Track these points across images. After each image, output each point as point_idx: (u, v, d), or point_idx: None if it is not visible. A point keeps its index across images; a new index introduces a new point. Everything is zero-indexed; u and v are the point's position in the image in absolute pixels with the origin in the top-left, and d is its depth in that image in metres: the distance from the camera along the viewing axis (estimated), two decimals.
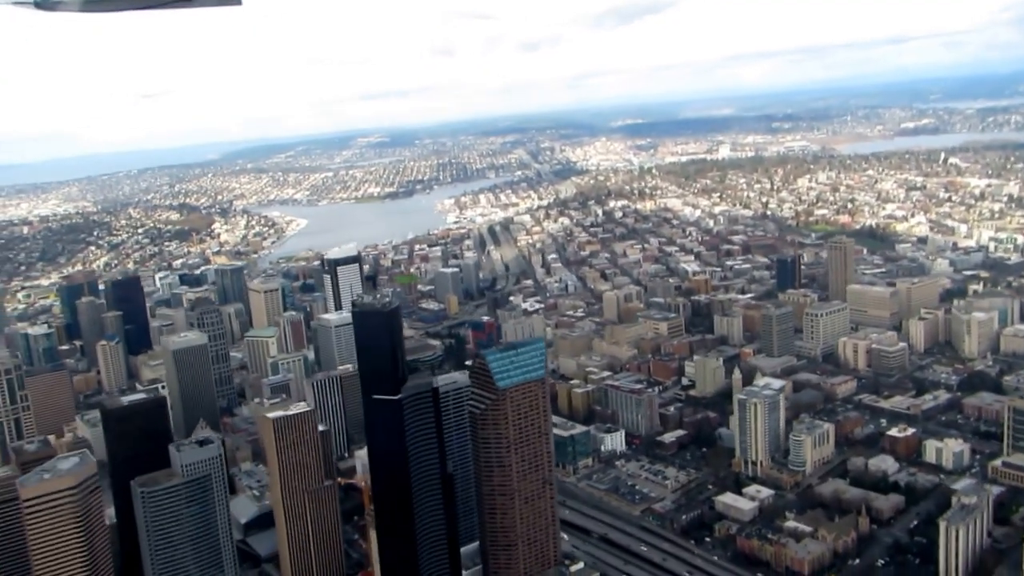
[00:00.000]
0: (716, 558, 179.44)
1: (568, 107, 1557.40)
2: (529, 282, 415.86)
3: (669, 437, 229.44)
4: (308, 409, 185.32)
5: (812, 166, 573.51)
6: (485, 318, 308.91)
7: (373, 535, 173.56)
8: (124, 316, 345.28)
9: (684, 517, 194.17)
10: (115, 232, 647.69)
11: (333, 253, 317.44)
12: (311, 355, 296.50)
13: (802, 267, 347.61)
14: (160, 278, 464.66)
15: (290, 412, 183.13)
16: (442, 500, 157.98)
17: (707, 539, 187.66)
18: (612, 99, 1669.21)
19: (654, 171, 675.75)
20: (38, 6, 27.92)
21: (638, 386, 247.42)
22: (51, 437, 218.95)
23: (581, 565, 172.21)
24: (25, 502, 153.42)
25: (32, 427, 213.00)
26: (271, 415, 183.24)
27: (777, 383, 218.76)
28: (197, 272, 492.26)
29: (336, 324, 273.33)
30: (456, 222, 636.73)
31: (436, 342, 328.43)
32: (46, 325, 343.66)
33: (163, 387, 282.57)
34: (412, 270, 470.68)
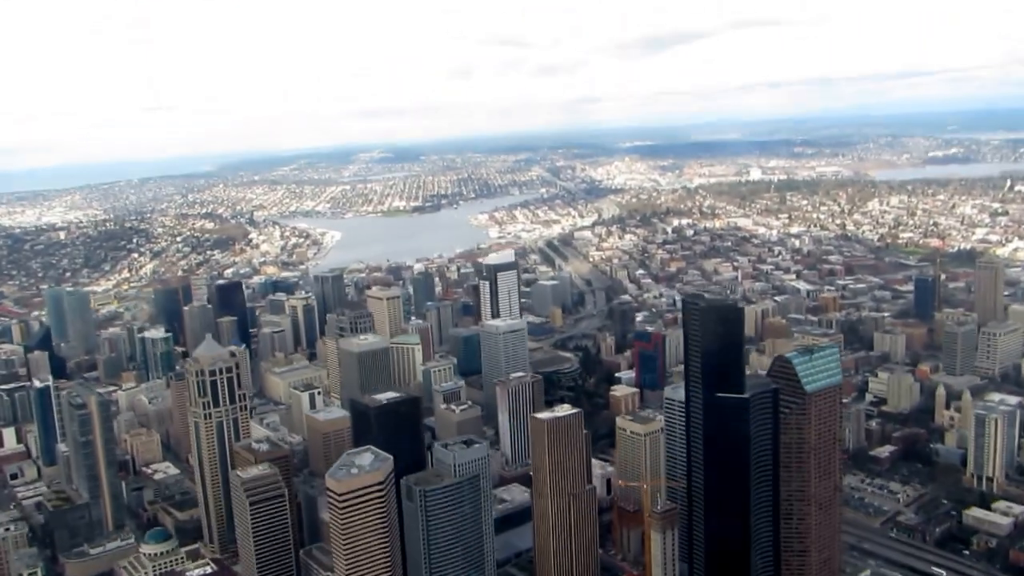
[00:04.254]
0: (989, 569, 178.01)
1: (568, 128, 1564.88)
2: (626, 297, 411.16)
3: (882, 452, 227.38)
4: (576, 411, 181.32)
5: (873, 189, 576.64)
6: (649, 328, 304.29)
7: (655, 537, 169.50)
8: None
9: (936, 530, 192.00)
10: (154, 240, 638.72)
11: (491, 259, 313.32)
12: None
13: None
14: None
15: (559, 414, 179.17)
16: (772, 501, 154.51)
17: (965, 552, 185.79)
18: (612, 122, 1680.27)
19: (700, 191, 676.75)
20: None
21: (844, 400, 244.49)
22: None
23: (868, 573, 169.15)
24: (339, 497, 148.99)
25: (247, 428, 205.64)
26: (542, 416, 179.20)
27: (1012, 399, 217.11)
28: (264, 279, 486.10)
29: (505, 331, 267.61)
30: (500, 237, 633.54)
31: (568, 354, 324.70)
32: (163, 329, 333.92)
33: (318, 392, 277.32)
34: None
